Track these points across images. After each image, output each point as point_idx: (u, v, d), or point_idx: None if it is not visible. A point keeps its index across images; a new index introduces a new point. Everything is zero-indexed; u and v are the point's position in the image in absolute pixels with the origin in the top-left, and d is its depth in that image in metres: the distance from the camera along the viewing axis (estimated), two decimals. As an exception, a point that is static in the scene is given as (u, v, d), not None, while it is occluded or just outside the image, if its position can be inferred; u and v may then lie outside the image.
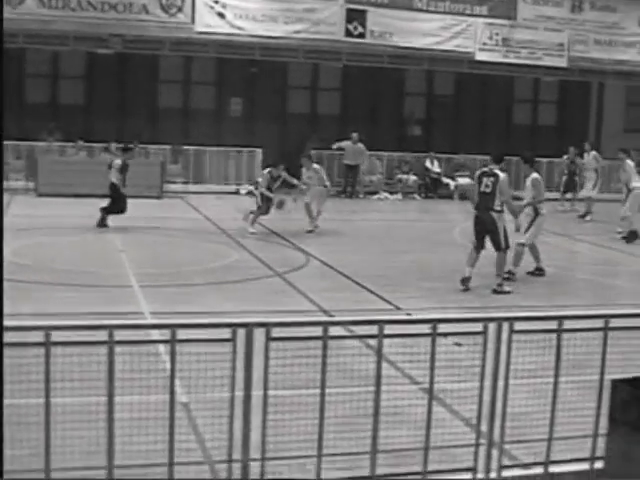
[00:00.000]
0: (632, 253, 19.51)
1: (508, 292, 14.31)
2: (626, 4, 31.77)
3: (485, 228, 14.46)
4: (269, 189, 20.16)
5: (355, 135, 28.41)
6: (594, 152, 26.32)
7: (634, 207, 20.72)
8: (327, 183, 21.10)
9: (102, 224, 19.81)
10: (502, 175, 14.51)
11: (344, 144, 28.30)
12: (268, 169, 20.79)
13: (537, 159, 17.63)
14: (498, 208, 14.36)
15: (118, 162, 20.36)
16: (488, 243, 14.52)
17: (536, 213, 15.78)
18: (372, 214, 22.86)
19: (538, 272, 16.03)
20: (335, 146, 28.14)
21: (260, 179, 20.54)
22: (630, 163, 21.21)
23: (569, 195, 27.47)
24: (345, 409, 6.44)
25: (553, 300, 13.97)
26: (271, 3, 27.89)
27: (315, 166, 20.83)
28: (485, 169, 14.87)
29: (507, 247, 14.50)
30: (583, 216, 25.28)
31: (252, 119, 31.19)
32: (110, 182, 20.18)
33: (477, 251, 14.51)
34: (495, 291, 14.30)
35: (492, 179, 14.41)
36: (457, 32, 29.86)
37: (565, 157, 28.03)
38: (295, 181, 20.90)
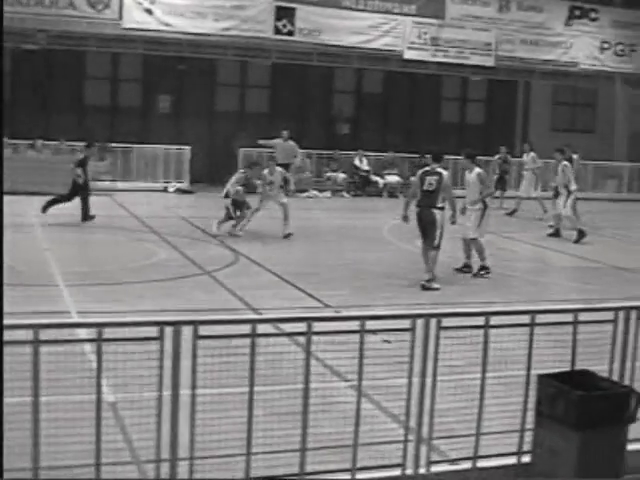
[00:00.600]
0: (560, 250, 19.79)
1: (437, 289, 14.45)
2: (552, 4, 32.23)
3: (423, 224, 14.74)
4: (244, 189, 19.82)
5: (286, 133, 28.28)
6: (533, 153, 26.50)
7: (574, 208, 21.01)
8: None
9: (86, 218, 20.30)
10: (445, 173, 14.92)
11: (274, 142, 28.15)
12: (242, 170, 20.65)
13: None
14: (440, 205, 14.69)
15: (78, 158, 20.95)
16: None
17: (485, 206, 16.09)
18: (301, 212, 22.83)
19: (466, 269, 16.23)
20: (262, 142, 28.01)
21: (233, 179, 20.04)
22: (569, 165, 21.36)
23: (498, 194, 27.74)
24: (274, 407, 6.42)
25: (482, 296, 14.10)
26: (200, 0, 27.73)
27: (278, 169, 20.50)
28: (427, 168, 15.12)
29: (438, 247, 14.69)
30: (511, 214, 25.59)
31: (180, 117, 31.03)
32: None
33: (428, 250, 14.75)
34: (424, 287, 14.47)
35: (436, 177, 14.69)
36: (386, 31, 29.99)
37: (497, 156, 28.30)
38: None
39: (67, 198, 20.59)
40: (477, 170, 16.42)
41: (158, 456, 5.84)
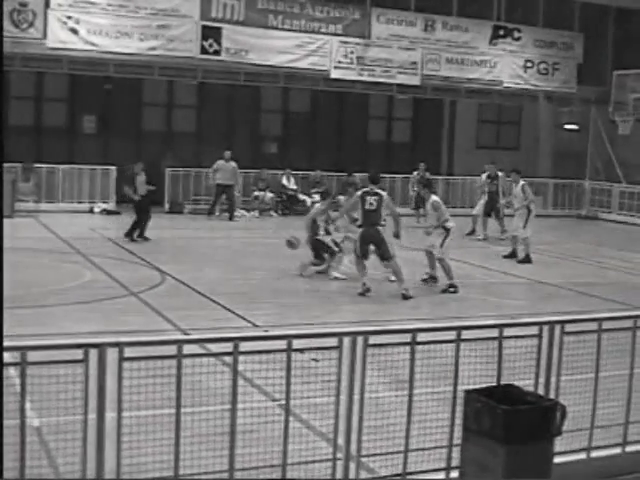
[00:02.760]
0: (486, 267, 20.00)
1: (411, 297, 15.56)
2: (476, 24, 32.62)
3: (373, 241, 15.86)
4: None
5: (228, 153, 28.15)
6: (501, 173, 26.34)
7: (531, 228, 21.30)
8: None
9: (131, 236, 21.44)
10: (384, 194, 16.23)
11: (217, 163, 27.94)
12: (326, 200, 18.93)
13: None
14: (383, 223, 15.99)
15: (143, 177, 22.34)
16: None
17: (446, 231, 16.84)
18: (229, 232, 22.77)
19: (431, 280, 17.20)
20: (212, 170, 27.86)
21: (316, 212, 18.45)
22: (527, 185, 21.51)
23: (422, 211, 27.79)
24: (201, 428, 6.37)
25: (410, 313, 14.18)
26: (125, 19, 27.55)
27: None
28: (367, 189, 16.14)
29: (393, 256, 15.81)
30: (470, 233, 25.53)
31: (106, 137, 30.75)
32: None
33: (363, 260, 15.93)
34: (404, 296, 15.54)
35: (376, 198, 15.86)
36: (312, 50, 30.08)
37: (415, 173, 28.43)
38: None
39: (140, 220, 21.58)
40: (433, 198, 17.23)
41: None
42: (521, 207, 21.10)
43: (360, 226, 16.02)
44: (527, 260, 20.60)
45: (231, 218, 27.88)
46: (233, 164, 28.16)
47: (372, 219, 15.82)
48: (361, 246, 15.89)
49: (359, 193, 16.17)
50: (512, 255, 21.19)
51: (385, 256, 15.84)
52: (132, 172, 22.44)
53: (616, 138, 34.18)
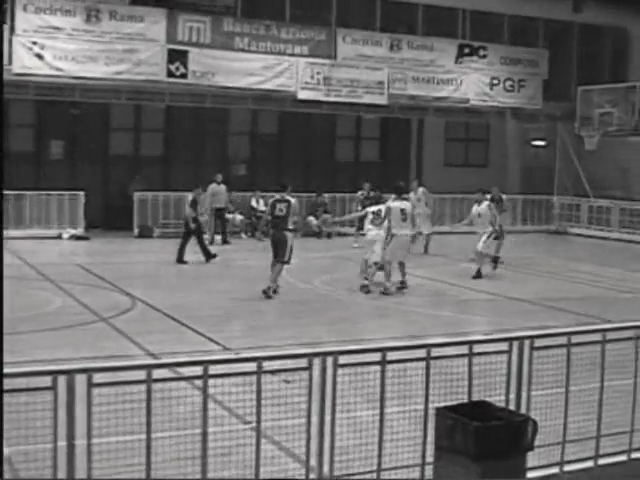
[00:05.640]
0: (457, 284, 20.05)
1: (270, 297, 17.13)
2: (442, 43, 32.78)
3: (277, 243, 17.58)
4: None
5: (220, 176, 27.98)
6: (422, 188, 26.68)
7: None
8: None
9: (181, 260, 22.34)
10: (293, 200, 18.05)
11: (210, 187, 27.55)
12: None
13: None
14: (291, 227, 17.78)
15: (189, 199, 23.33)
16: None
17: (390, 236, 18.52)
18: (199, 255, 22.69)
19: (400, 284, 18.57)
20: (209, 195, 27.58)
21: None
22: (492, 204, 21.60)
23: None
24: (173, 452, 6.34)
25: (381, 331, 14.17)
26: (91, 44, 27.48)
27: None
28: (278, 197, 18.05)
29: (288, 262, 17.64)
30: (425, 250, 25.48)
31: (74, 161, 30.64)
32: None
33: (274, 261, 17.59)
34: (265, 293, 17.16)
35: (285, 204, 17.73)
36: (279, 71, 30.13)
37: (359, 192, 28.28)
38: None
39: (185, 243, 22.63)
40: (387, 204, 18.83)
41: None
42: (490, 226, 21.14)
43: (271, 228, 18.11)
44: (478, 275, 20.63)
45: (225, 241, 27.77)
46: (223, 187, 28.06)
47: (280, 224, 17.66)
48: (272, 249, 17.70)
49: (271, 201, 18.29)
50: (479, 275, 20.91)
51: (278, 257, 17.48)
52: (196, 196, 23.41)
53: (583, 153, 34.43)
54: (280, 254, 17.46)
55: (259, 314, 15.83)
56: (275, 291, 17.47)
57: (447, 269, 22.51)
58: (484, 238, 20.98)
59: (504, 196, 25.39)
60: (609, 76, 35.22)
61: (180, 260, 22.22)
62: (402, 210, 18.64)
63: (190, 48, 28.66)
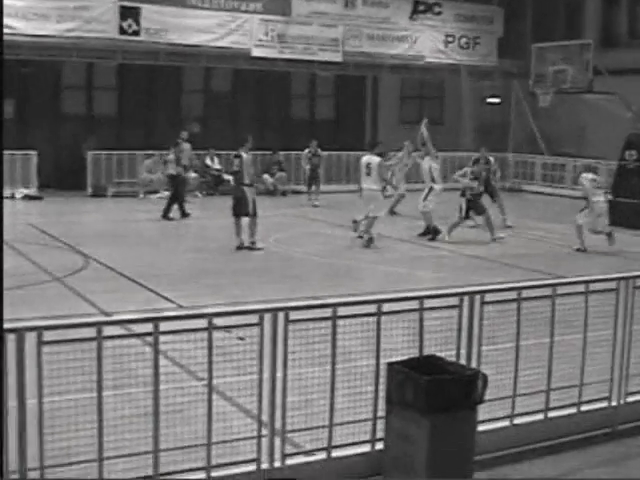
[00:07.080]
0: (413, 242, 20.13)
1: (260, 249, 17.73)
2: (397, 0, 32.73)
3: (236, 199, 17.97)
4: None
5: (185, 133, 26.94)
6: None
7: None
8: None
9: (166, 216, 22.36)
10: (245, 155, 18.09)
11: (184, 146, 26.57)
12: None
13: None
14: (247, 182, 18.03)
15: (172, 157, 23.89)
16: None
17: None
18: (152, 214, 22.58)
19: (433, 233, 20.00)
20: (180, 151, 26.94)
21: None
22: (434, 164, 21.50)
23: (314, 188, 27.66)
24: (124, 410, 6.34)
25: (332, 289, 14.19)
26: (42, 1, 27.09)
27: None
28: (235, 152, 18.40)
29: (255, 215, 17.81)
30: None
31: (25, 121, 30.23)
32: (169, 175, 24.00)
33: (238, 220, 17.95)
34: (250, 248, 17.69)
35: (238, 160, 18.07)
36: (233, 29, 29.92)
37: (307, 151, 28.22)
38: None
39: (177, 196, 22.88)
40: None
41: (6, 468, 5.69)
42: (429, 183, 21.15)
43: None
44: (435, 232, 20.38)
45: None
46: (189, 145, 27.40)
47: (236, 179, 18.24)
48: (232, 204, 18.08)
49: (232, 156, 18.76)
50: (427, 232, 20.68)
51: (239, 212, 17.83)
52: (178, 154, 23.96)
53: (538, 111, 34.58)
54: (242, 209, 17.76)
55: (215, 273, 15.81)
56: (255, 241, 17.93)
57: (403, 226, 22.50)
58: (428, 197, 20.82)
59: (491, 158, 25.21)
60: (564, 34, 35.30)
61: (166, 216, 22.44)
62: (367, 165, 19.06)
63: (142, 5, 28.37)
